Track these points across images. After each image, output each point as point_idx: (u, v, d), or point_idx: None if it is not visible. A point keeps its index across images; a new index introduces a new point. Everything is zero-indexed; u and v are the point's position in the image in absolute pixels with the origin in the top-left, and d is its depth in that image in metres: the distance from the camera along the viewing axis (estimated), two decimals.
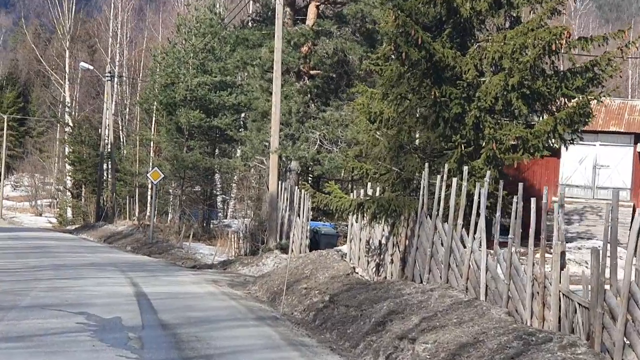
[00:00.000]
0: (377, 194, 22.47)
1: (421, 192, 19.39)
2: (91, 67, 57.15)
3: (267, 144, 33.64)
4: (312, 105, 32.09)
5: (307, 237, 29.10)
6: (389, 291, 17.43)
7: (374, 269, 22.70)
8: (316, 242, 29.72)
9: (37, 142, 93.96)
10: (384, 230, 22.26)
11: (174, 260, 35.24)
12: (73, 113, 67.44)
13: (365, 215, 20.95)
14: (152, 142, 53.01)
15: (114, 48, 66.69)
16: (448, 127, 19.23)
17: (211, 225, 48.17)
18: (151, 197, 48.99)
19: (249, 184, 40.08)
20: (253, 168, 42.78)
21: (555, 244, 13.40)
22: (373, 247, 23.18)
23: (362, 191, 23.65)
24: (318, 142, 30.93)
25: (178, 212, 46.90)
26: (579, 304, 12.43)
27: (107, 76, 55.07)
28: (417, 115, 19.96)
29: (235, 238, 35.12)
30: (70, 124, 65.06)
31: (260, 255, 29.69)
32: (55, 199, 75.31)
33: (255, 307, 19.39)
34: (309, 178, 35.15)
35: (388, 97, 20.62)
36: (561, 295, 13.13)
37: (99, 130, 60.39)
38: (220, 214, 54.63)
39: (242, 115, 47.76)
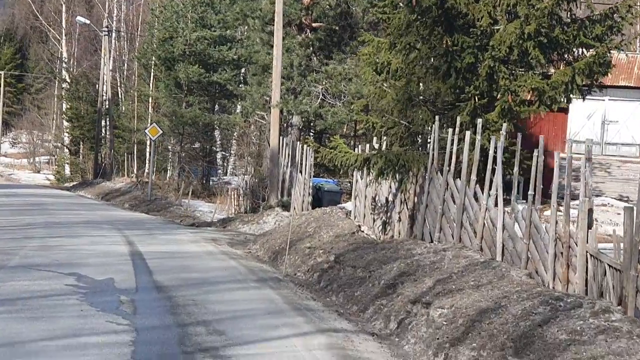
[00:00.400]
0: (384, 148, 21.43)
1: (431, 147, 18.30)
2: (88, 22, 55.75)
3: (267, 98, 32.47)
4: (315, 58, 30.88)
5: (309, 194, 28.03)
6: (399, 251, 16.38)
7: (381, 228, 21.64)
8: (319, 199, 28.65)
9: (36, 99, 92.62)
10: (390, 187, 21.19)
11: (172, 218, 34.21)
12: (71, 69, 66.01)
13: (371, 171, 19.87)
14: (150, 98, 51.76)
15: (112, 3, 65.20)
16: (460, 78, 18.07)
17: (211, 183, 47.12)
18: (150, 154, 47.84)
19: (249, 140, 38.95)
20: (253, 124, 41.65)
21: (582, 200, 12.32)
22: (379, 205, 22.11)
23: (367, 146, 22.55)
24: (321, 96, 29.76)
25: (177, 169, 45.82)
26: (610, 266, 11.38)
27: (105, 31, 53.70)
28: (427, 66, 18.77)
29: (235, 195, 34.05)
30: (68, 80, 63.68)
31: (261, 212, 28.64)
32: (54, 156, 74.10)
33: (256, 268, 18.35)
34: (311, 133, 34.02)
35: (396, 46, 19.46)
36: (588, 257, 12.06)
37: (97, 86, 59.11)
38: (219, 171, 53.55)
39: (242, 70, 46.54)
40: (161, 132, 42.09)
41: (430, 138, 18.50)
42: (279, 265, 19.15)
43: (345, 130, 36.55)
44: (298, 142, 29.59)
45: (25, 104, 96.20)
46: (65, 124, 65.63)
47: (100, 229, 25.66)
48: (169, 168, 51.22)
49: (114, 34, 61.75)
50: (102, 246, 20.61)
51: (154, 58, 47.42)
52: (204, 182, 46.08)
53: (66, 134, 65.80)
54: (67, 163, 64.88)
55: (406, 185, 19.65)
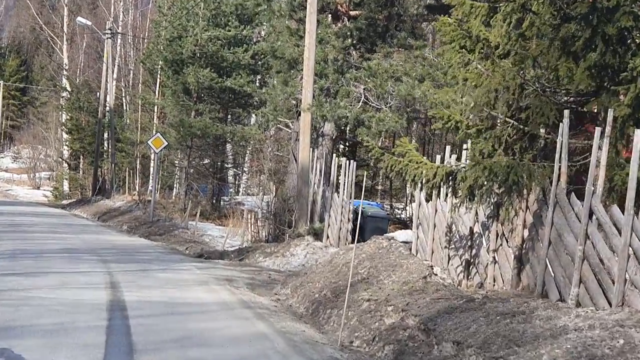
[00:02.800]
0: (464, 158, 15.09)
1: (558, 155, 11.86)
2: (89, 23, 49.48)
3: (295, 102, 26.09)
4: (354, 52, 24.47)
5: (349, 219, 21.59)
6: (531, 319, 9.92)
7: (461, 270, 15.16)
8: (360, 226, 22.16)
9: (40, 113, 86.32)
10: (477, 212, 14.76)
11: (176, 244, 27.82)
12: (72, 77, 59.58)
13: (457, 189, 13.44)
14: (156, 107, 45.31)
15: (117, 7, 58.84)
16: (609, 51, 11.56)
17: (221, 203, 40.60)
18: (153, 169, 41.42)
19: (270, 152, 32.48)
20: (272, 136, 35.25)
21: None
22: (458, 238, 15.64)
23: (450, 156, 16.23)
24: (362, 98, 23.34)
25: (184, 187, 39.30)
26: None
27: (107, 33, 47.38)
28: (551, 37, 12.28)
29: (253, 219, 27.55)
30: (68, 88, 57.38)
31: (287, 242, 22.15)
32: (53, 171, 67.63)
33: (295, 334, 11.89)
34: (341, 145, 27.63)
35: (498, 11, 13.03)
36: None
37: (99, 95, 52.76)
38: (231, 189, 46.98)
39: (258, 77, 40.12)
40: (166, 143, 35.68)
41: (555, 143, 12.09)
42: (324, 326, 12.84)
43: (381, 141, 30.16)
44: (334, 155, 23.20)
45: (29, 117, 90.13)
46: (65, 136, 59.23)
47: (81, 261, 19.24)
48: (175, 185, 44.75)
49: (118, 40, 55.43)
50: (71, 291, 14.16)
51: (160, 61, 40.99)
52: (214, 202, 39.61)
53: (65, 147, 59.38)
54: (66, 179, 58.45)
55: (508, 211, 13.18)
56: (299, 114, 26.41)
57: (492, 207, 13.96)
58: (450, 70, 14.15)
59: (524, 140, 12.86)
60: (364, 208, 22.69)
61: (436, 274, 15.07)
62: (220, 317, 12.76)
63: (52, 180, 67.62)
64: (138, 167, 48.14)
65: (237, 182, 49.28)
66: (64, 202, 53.67)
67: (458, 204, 13.87)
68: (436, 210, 16.62)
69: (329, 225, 22.68)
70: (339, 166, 22.58)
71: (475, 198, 13.17)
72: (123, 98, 56.69)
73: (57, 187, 60.00)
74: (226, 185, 43.99)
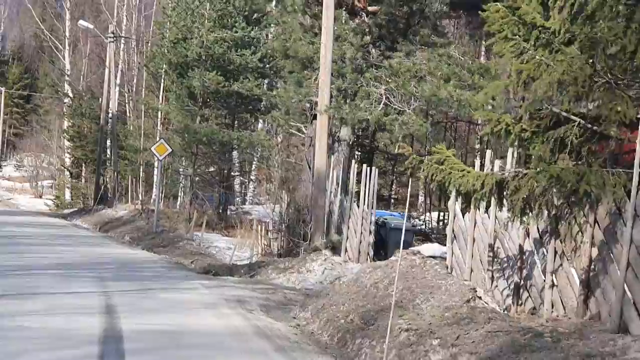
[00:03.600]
0: (509, 165, 13.03)
1: (638, 160, 9.75)
2: (91, 26, 47.48)
3: (308, 104, 24.02)
4: (373, 50, 22.36)
5: (370, 232, 19.49)
6: None
7: (510, 294, 13.05)
8: (382, 239, 20.14)
9: (44, 121, 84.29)
10: (527, 228, 12.66)
11: (181, 256, 25.74)
12: (74, 83, 57.49)
13: (508, 200, 11.35)
14: (159, 112, 43.19)
15: (121, 12, 56.81)
16: None
17: (228, 212, 38.46)
18: (157, 178, 39.31)
19: (279, 159, 30.36)
20: (282, 142, 33.16)
21: None
22: (505, 256, 13.55)
23: (490, 160, 14.21)
24: (384, 99, 21.24)
25: (189, 196, 37.16)
26: None
27: (110, 37, 45.34)
28: (627, 17, 10.18)
29: (263, 230, 25.43)
30: (70, 94, 55.32)
31: (302, 257, 20.04)
32: (55, 180, 65.50)
33: None
34: (363, 151, 25.57)
35: None
36: None
37: (101, 100, 50.73)
38: (238, 198, 44.85)
39: (266, 81, 38.07)
40: (170, 150, 33.64)
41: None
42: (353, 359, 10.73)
43: (398, 148, 28.07)
44: (352, 162, 21.14)
45: (32, 125, 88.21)
46: (67, 143, 57.12)
47: (76, 278, 17.17)
48: (179, 194, 42.62)
49: (122, 46, 53.41)
50: (61, 318, 12.08)
51: (164, 64, 38.87)
52: (220, 211, 37.46)
53: (67, 155, 57.27)
54: (68, 187, 56.33)
55: (572, 225, 11.11)
56: (314, 118, 24.37)
57: (548, 221, 11.86)
58: (502, 58, 11.99)
59: (593, 142, 10.76)
60: (385, 219, 20.59)
61: (480, 297, 12.98)
62: (234, 351, 10.65)
63: (54, 189, 65.53)
64: (141, 175, 46.04)
65: (243, 191, 47.18)
66: (65, 211, 51.60)
67: (511, 219, 11.73)
68: (475, 224, 14.52)
69: (347, 238, 20.60)
70: (358, 173, 20.51)
71: (532, 211, 11.07)
72: (126, 105, 54.65)
73: (59, 195, 57.91)
74: (232, 194, 41.87)
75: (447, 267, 15.11)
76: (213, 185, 38.14)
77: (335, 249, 20.20)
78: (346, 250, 20.63)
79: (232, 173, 39.97)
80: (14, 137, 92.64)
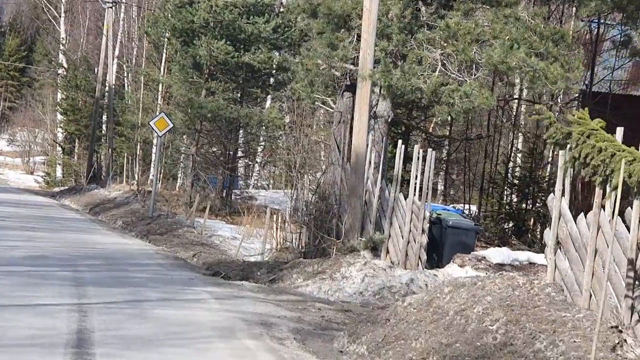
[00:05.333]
0: None
1: None
2: None
3: (338, 72, 19.60)
4: (424, 7, 17.88)
5: (423, 230, 15.13)
6: None
7: None
8: (434, 240, 15.77)
9: (39, 95, 79.64)
10: None
11: (180, 247, 21.49)
12: (69, 52, 52.74)
13: None
14: (160, 85, 38.65)
15: None
16: None
17: (232, 197, 34.09)
18: (155, 156, 34.93)
19: (299, 139, 25.85)
20: (299, 120, 28.76)
21: None
22: None
23: None
24: (440, 65, 16.83)
25: (190, 177, 32.69)
26: None
27: (109, 0, 40.77)
28: None
29: (279, 221, 20.98)
30: (65, 64, 50.72)
31: (335, 259, 15.62)
32: (48, 156, 60.90)
33: None
34: (398, 130, 21.21)
35: None
36: None
37: (97, 71, 46.21)
38: (241, 182, 40.35)
39: (278, 54, 33.58)
40: (171, 125, 29.22)
41: None
42: None
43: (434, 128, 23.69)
44: (399, 142, 16.75)
45: (27, 99, 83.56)
46: (59, 117, 52.57)
47: (46, 281, 12.80)
48: (179, 175, 38.19)
49: (121, 14, 48.78)
50: (6, 358, 7.71)
51: (167, 31, 34.36)
52: (225, 196, 33.08)
53: (60, 130, 52.70)
54: (59, 164, 51.81)
55: None
56: (345, 89, 20.01)
57: None
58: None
59: None
60: (439, 214, 16.19)
61: (625, 341, 8.65)
62: None
63: (46, 165, 61.03)
64: (138, 153, 41.53)
65: (249, 174, 42.77)
66: (56, 189, 47.20)
67: None
68: (599, 229, 10.15)
69: (389, 236, 16.22)
70: (406, 157, 16.19)
71: None
72: (125, 78, 50.09)
73: (50, 172, 53.39)
74: (236, 177, 37.42)
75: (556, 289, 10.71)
76: (217, 167, 33.72)
77: (376, 249, 15.82)
78: (387, 252, 16.26)
79: (240, 154, 35.47)
80: (8, 111, 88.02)
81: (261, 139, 37.82)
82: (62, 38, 55.79)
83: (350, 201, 16.43)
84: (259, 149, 39.44)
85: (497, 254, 14.91)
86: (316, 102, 21.75)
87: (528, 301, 9.46)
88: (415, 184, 15.59)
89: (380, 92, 17.63)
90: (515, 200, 22.17)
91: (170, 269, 16.29)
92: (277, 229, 20.87)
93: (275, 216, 20.91)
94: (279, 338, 10.17)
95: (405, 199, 15.97)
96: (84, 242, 20.14)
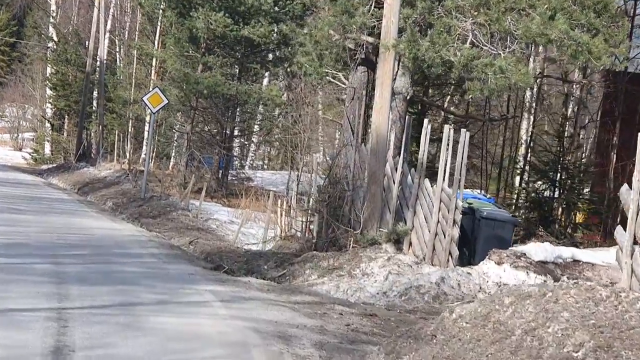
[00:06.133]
0: None
1: None
2: None
3: (351, 45, 17.55)
4: None
5: (455, 222, 13.14)
6: None
7: None
8: (465, 232, 13.76)
9: (30, 70, 77.18)
10: None
11: (175, 232, 19.59)
12: (59, 25, 50.35)
13: None
14: (154, 60, 36.47)
15: None
16: None
17: (228, 178, 32.04)
18: (148, 134, 32.83)
19: (304, 117, 23.70)
20: (304, 97, 26.69)
21: None
22: None
23: None
24: (470, 37, 14.80)
25: (184, 157, 30.58)
26: None
27: None
28: None
29: (284, 206, 18.90)
30: (55, 38, 48.45)
31: (353, 252, 13.64)
32: (37, 132, 58.48)
33: None
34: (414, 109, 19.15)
35: None
36: None
37: (88, 44, 43.87)
38: (236, 162, 38.23)
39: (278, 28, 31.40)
40: (166, 101, 27.16)
41: None
42: None
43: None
44: (425, 121, 14.72)
45: (17, 74, 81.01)
46: (49, 92, 50.22)
47: (20, 277, 10.80)
48: (172, 154, 36.07)
49: None
50: None
51: (162, 2, 32.16)
52: (220, 177, 31.01)
53: (49, 105, 50.37)
54: (48, 140, 49.55)
55: None
56: (360, 63, 17.94)
57: None
58: None
59: None
60: (470, 203, 14.18)
61: None
62: None
63: (35, 142, 58.69)
64: (130, 130, 39.34)
65: (244, 154, 40.72)
66: (44, 167, 45.00)
67: None
68: None
69: (412, 227, 14.24)
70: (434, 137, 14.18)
71: None
72: (117, 53, 47.74)
73: (38, 149, 51.10)
74: (232, 157, 35.30)
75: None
76: (212, 146, 31.62)
77: (399, 242, 13.83)
78: (409, 245, 14.27)
79: (237, 133, 33.37)
80: None
81: (259, 117, 35.77)
82: (52, 11, 53.29)
83: (370, 187, 14.43)
84: (255, 128, 37.34)
85: (539, 250, 12.95)
86: (326, 78, 19.65)
87: (619, 320, 7.49)
88: (445, 168, 13.59)
89: (398, 66, 15.59)
90: (541, 187, 20.20)
91: (166, 260, 14.27)
92: (281, 215, 18.82)
93: (280, 201, 18.84)
94: (302, 357, 8.19)
95: (432, 185, 13.98)
96: (70, 226, 18.12)
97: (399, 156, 15.19)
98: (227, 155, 32.14)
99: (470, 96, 18.33)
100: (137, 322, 8.87)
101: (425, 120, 14.58)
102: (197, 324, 9.09)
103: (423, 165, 14.37)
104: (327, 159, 24.14)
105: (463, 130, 13.43)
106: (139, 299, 10.11)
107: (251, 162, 42.73)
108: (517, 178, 22.42)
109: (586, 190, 20.99)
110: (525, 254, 12.85)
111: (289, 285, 12.69)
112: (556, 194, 19.55)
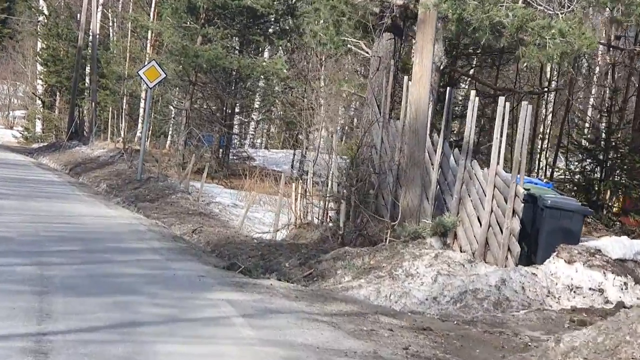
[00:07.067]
0: None
1: None
2: None
3: (377, 8, 15.35)
4: None
5: (514, 213, 10.91)
6: None
7: None
8: (523, 224, 11.45)
9: (21, 47, 74.43)
10: None
11: (175, 217, 17.47)
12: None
13: None
14: (150, 32, 34.01)
15: None
16: None
17: (230, 157, 29.81)
18: (144, 111, 30.48)
19: (317, 91, 21.33)
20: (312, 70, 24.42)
21: None
22: None
23: None
24: None
25: (183, 135, 28.24)
26: None
27: None
28: None
29: (300, 189, 16.56)
30: (46, 11, 45.91)
31: (392, 248, 11.36)
32: (27, 109, 55.94)
33: None
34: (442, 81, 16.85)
35: None
36: None
37: (79, 16, 41.31)
38: (235, 140, 35.85)
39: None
40: (164, 75, 24.77)
41: None
42: None
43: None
44: (473, 93, 12.47)
45: (9, 51, 78.25)
46: (39, 68, 47.72)
47: None
48: (170, 132, 33.72)
49: None
50: None
51: None
52: (220, 156, 28.75)
53: (40, 82, 47.87)
54: (39, 118, 47.05)
55: None
56: (386, 29, 15.68)
57: None
58: None
59: None
60: (527, 190, 11.89)
61: None
62: None
63: (26, 119, 56.16)
64: (124, 107, 36.94)
65: (243, 132, 38.41)
66: (34, 146, 42.59)
67: None
68: None
69: (460, 219, 12.01)
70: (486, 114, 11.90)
71: None
72: (110, 28, 45.22)
73: (28, 127, 48.60)
74: (232, 136, 32.98)
75: None
76: (212, 124, 29.34)
77: (444, 236, 11.57)
78: (454, 239, 12.04)
79: (237, 109, 31.03)
80: None
81: (259, 92, 33.49)
82: None
83: (409, 172, 12.19)
84: (256, 104, 35.02)
85: (617, 246, 10.72)
86: (342, 48, 17.32)
87: None
88: (500, 148, 11.35)
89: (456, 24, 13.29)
90: (587, 168, 17.93)
91: (170, 256, 12.00)
92: (295, 199, 16.55)
93: (295, 184, 16.56)
94: None
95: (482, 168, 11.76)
96: (59, 213, 15.84)
97: (440, 135, 12.93)
98: (229, 133, 29.88)
99: (526, 64, 16.06)
100: (140, 353, 6.63)
101: (472, 93, 12.32)
102: (218, 355, 6.85)
103: (469, 145, 12.12)
104: (331, 137, 22.00)
105: (525, 103, 11.19)
106: (141, 316, 7.87)
107: (251, 140, 40.44)
108: (556, 159, 20.08)
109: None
110: (600, 250, 10.64)
111: (319, 289, 10.46)
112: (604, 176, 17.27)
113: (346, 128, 27.24)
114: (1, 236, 11.88)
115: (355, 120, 28.34)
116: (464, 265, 10.72)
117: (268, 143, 44.16)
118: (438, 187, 12.77)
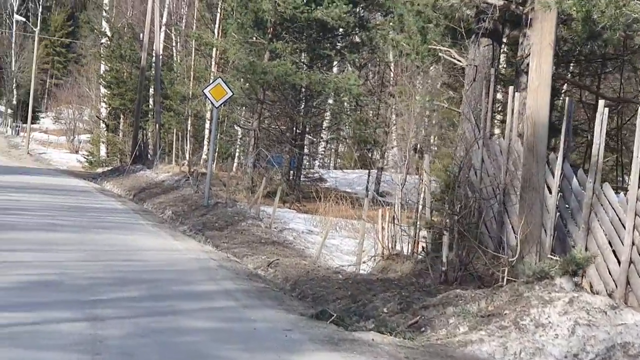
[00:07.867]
0: None
1: None
2: None
3: (469, 10, 13.48)
4: None
5: None
6: None
7: None
8: None
9: (85, 71, 73.96)
10: None
11: (247, 248, 15.82)
12: (112, 19, 46.64)
13: None
14: (214, 50, 32.40)
15: None
16: None
17: (301, 179, 28.05)
18: (210, 131, 28.92)
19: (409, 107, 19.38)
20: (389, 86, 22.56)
21: None
22: None
23: None
24: None
25: (251, 157, 26.54)
26: None
27: None
28: None
29: (387, 216, 14.61)
30: (109, 33, 44.81)
31: (512, 289, 9.36)
32: (92, 134, 55.04)
33: None
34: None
35: None
36: None
37: (142, 36, 40.05)
38: (305, 161, 34.12)
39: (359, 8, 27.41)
40: (230, 94, 23.06)
41: None
42: None
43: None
44: (602, 103, 10.44)
45: (74, 75, 77.97)
46: (103, 91, 46.65)
47: (28, 356, 6.64)
48: (236, 154, 32.08)
49: None
50: None
51: None
52: (293, 178, 27.01)
53: (103, 105, 46.79)
54: (103, 142, 45.93)
55: None
56: (483, 34, 13.76)
57: None
58: None
59: None
60: None
61: None
62: None
63: (91, 143, 55.26)
64: (189, 129, 35.45)
65: (313, 152, 36.66)
66: (99, 170, 41.39)
67: None
68: None
69: (598, 253, 9.98)
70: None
71: None
72: (173, 47, 43.96)
73: (93, 152, 47.48)
74: (302, 156, 31.23)
75: None
76: (282, 144, 27.64)
77: (575, 275, 9.55)
78: (582, 277, 10.00)
79: (307, 128, 29.29)
80: (55, 88, 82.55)
81: (329, 110, 31.74)
82: (105, 4, 49.69)
83: (525, 197, 10.19)
84: (325, 122, 33.29)
85: None
86: (427, 58, 15.41)
87: None
88: None
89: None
90: None
91: (247, 302, 10.16)
92: (382, 228, 14.64)
93: (383, 211, 14.63)
94: None
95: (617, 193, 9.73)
96: (120, 248, 14.15)
97: (559, 153, 10.93)
98: (300, 153, 28.14)
99: None
100: None
101: (601, 102, 10.29)
102: None
103: (598, 165, 10.10)
104: (404, 156, 20.16)
105: None
106: None
107: (321, 160, 38.72)
108: None
109: None
110: None
111: (430, 345, 8.51)
112: None
113: (433, 147, 25.28)
114: (49, 280, 10.17)
115: (434, 137, 26.41)
116: (606, 313, 8.69)
117: (337, 163, 42.41)
118: (558, 214, 10.76)
